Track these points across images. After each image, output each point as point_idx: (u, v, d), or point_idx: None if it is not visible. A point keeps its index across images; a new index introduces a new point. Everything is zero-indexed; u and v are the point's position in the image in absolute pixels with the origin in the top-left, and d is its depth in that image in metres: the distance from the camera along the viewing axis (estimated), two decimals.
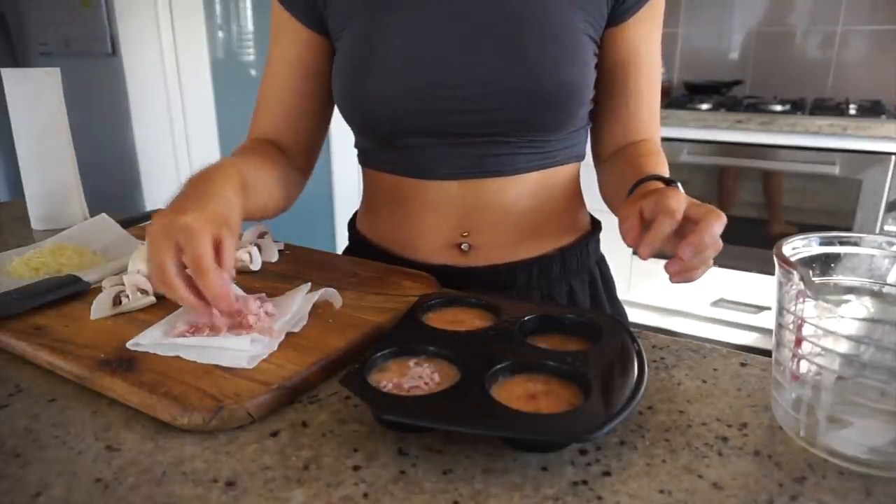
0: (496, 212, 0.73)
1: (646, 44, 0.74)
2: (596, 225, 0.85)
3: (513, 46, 0.67)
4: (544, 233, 0.77)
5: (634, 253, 2.37)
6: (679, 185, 0.60)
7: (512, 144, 0.71)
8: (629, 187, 0.65)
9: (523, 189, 0.73)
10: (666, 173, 0.68)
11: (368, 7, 0.69)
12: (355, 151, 0.81)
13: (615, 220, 0.77)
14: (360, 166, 0.81)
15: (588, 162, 0.81)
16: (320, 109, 0.79)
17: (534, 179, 0.73)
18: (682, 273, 0.53)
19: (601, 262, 0.85)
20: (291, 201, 0.78)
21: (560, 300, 0.78)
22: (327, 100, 0.78)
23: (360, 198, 0.85)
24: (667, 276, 0.54)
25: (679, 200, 0.53)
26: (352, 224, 0.88)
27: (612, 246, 0.88)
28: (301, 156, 0.80)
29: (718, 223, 0.51)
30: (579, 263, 0.80)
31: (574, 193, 0.80)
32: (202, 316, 0.55)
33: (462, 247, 0.74)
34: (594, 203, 0.84)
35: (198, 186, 0.57)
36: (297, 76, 0.76)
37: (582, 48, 0.69)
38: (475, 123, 0.69)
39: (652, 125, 0.78)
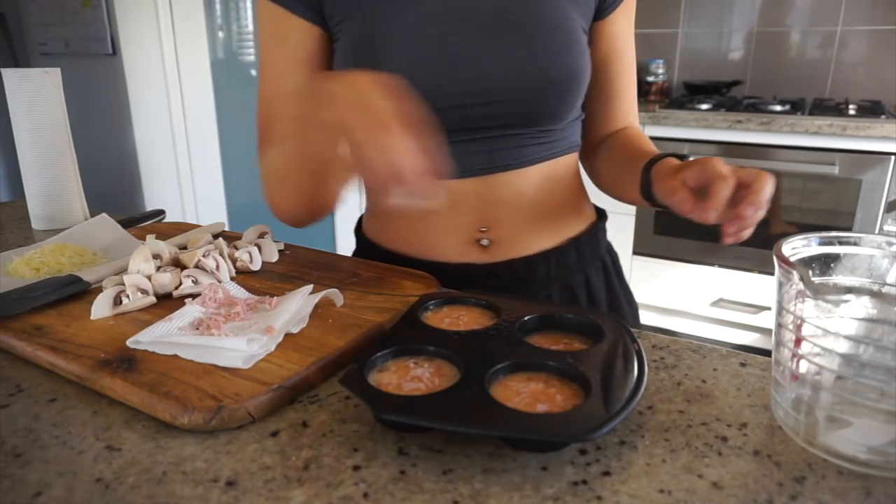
0: (510, 204, 0.74)
1: (626, 37, 0.81)
2: (601, 213, 0.87)
3: (518, 39, 0.69)
4: (557, 223, 0.79)
5: (635, 254, 2.38)
6: (691, 157, 0.68)
7: (519, 137, 0.72)
8: (637, 168, 0.71)
9: (533, 180, 0.75)
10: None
11: (366, 6, 0.69)
12: None
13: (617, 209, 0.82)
14: None
15: None
16: None
17: (541, 170, 0.75)
18: (739, 233, 0.58)
19: (610, 250, 0.88)
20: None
21: (578, 290, 0.80)
22: None
23: (361, 200, 0.85)
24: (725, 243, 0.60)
25: (725, 166, 0.58)
26: (358, 229, 0.87)
27: (613, 244, 0.89)
28: None
29: (770, 182, 0.57)
30: (592, 252, 0.82)
31: (577, 182, 0.83)
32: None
33: (482, 242, 0.75)
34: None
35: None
36: (317, 72, 0.73)
37: (579, 36, 0.73)
38: (485, 118, 0.70)
39: (632, 113, 0.86)
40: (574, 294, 0.80)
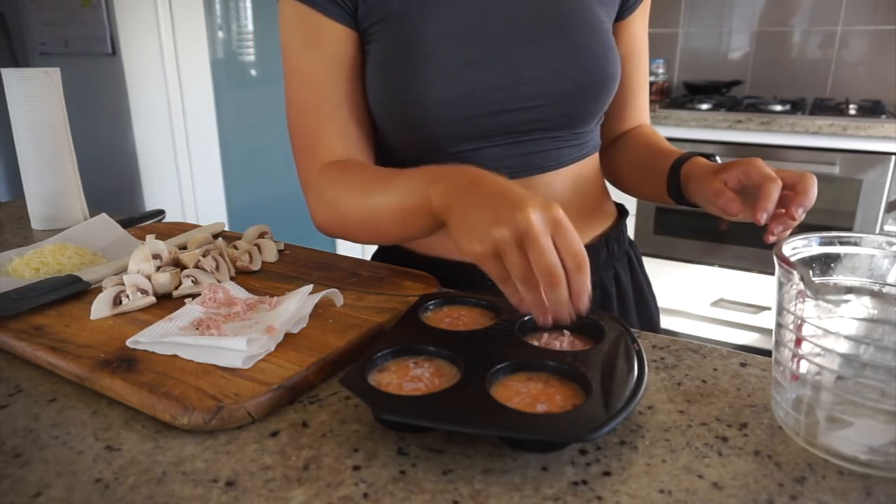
0: None
1: (642, 36, 0.82)
2: (622, 209, 0.87)
3: (560, 42, 0.69)
4: (588, 221, 0.79)
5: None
6: (718, 157, 0.70)
7: (556, 139, 0.73)
8: (660, 166, 0.74)
9: (567, 181, 0.75)
10: None
11: (404, 8, 0.66)
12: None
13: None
14: None
15: None
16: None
17: (573, 171, 0.76)
18: (784, 232, 0.60)
19: (632, 244, 0.88)
20: None
21: (609, 285, 0.80)
22: None
23: None
24: (767, 239, 0.61)
25: (767, 167, 0.60)
26: None
27: None
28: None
29: (815, 183, 0.59)
30: (619, 247, 0.83)
31: (601, 180, 0.83)
32: (545, 314, 0.50)
33: None
34: None
35: (490, 179, 0.54)
36: (354, 78, 0.70)
37: (612, 39, 0.74)
38: (526, 122, 0.70)
39: (645, 111, 0.88)
40: (605, 289, 0.79)
